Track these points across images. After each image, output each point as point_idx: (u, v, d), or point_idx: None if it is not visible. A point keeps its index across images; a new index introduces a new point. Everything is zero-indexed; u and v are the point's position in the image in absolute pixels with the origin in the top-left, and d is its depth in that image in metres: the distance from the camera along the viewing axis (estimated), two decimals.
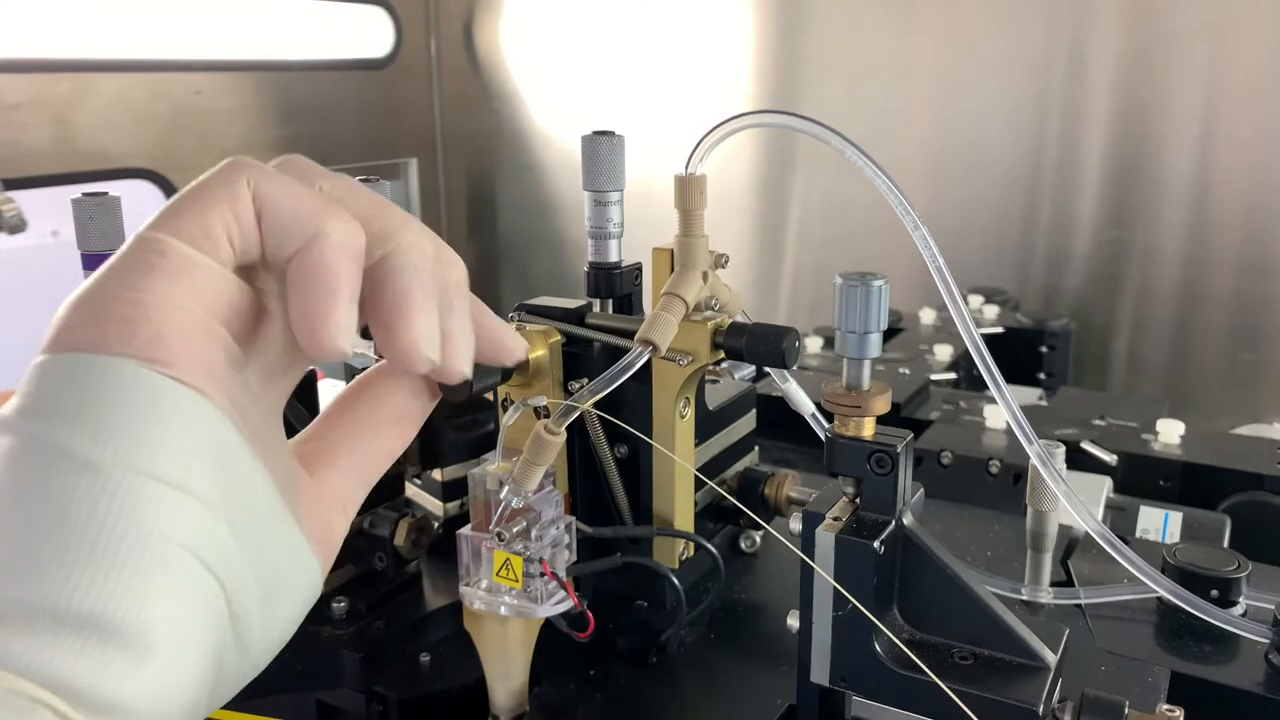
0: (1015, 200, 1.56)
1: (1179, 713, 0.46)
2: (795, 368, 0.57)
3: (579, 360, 0.59)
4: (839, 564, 0.44)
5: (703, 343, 0.55)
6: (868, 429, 0.45)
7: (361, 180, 0.60)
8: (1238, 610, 0.60)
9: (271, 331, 0.33)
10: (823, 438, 0.48)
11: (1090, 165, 1.49)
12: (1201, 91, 1.41)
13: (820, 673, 0.46)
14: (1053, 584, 0.63)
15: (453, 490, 0.68)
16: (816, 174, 1.72)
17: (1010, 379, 0.52)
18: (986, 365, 0.51)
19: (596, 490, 0.62)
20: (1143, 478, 0.83)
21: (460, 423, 0.69)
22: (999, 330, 1.22)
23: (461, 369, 0.35)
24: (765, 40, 1.77)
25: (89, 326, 0.29)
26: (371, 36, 1.96)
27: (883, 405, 0.45)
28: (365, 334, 0.34)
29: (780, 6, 1.76)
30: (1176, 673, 0.55)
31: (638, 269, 0.64)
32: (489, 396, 0.63)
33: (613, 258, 0.63)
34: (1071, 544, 0.69)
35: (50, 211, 1.56)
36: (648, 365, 0.52)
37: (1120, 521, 0.76)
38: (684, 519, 0.61)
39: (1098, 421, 0.91)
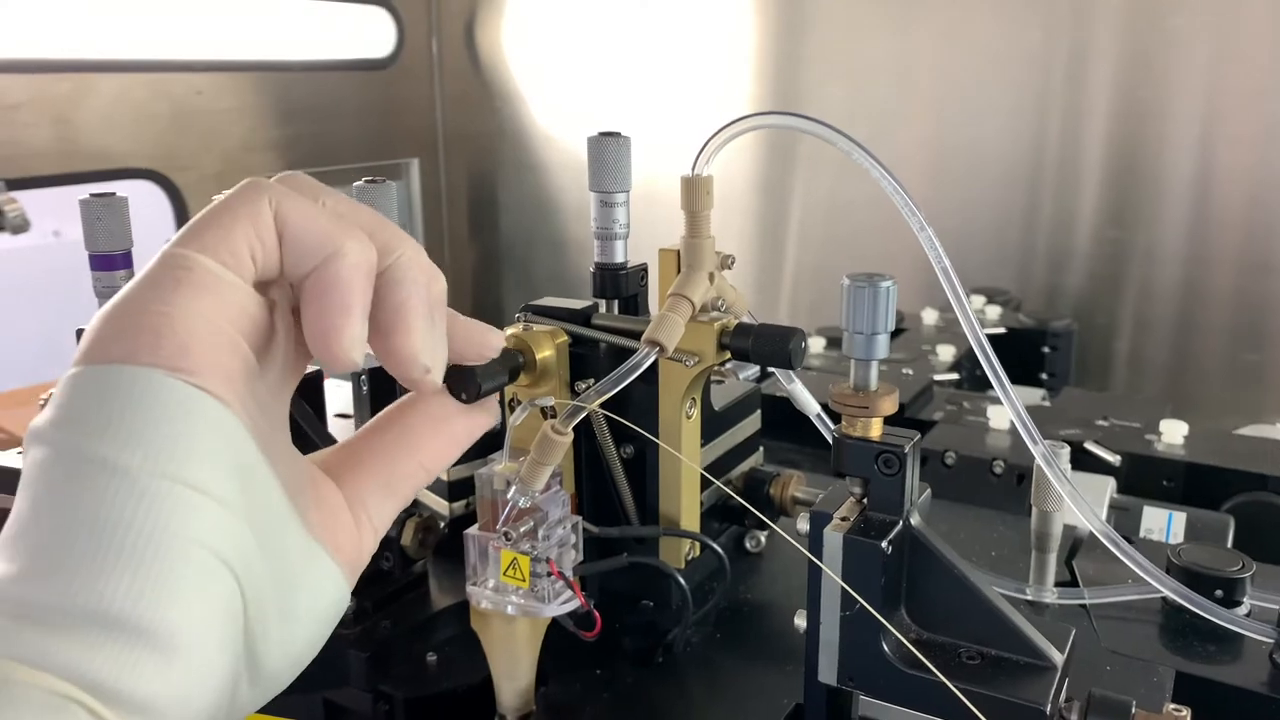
0: (1016, 200, 1.57)
1: (1186, 712, 0.46)
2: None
3: (585, 361, 0.59)
4: (847, 564, 0.44)
5: (709, 343, 0.55)
6: (875, 429, 0.45)
7: (366, 182, 0.61)
8: (1242, 610, 0.60)
9: (278, 343, 0.34)
10: (829, 438, 0.48)
11: (1091, 165, 1.50)
12: (1202, 91, 1.41)
13: (828, 672, 0.46)
14: (1057, 584, 0.64)
15: (458, 490, 0.68)
16: (817, 174, 1.72)
17: (1013, 379, 0.52)
18: (992, 366, 0.51)
19: (603, 490, 0.62)
20: (1146, 478, 0.83)
21: None
22: (1001, 331, 1.22)
23: (437, 378, 0.36)
24: (766, 41, 1.77)
25: (119, 339, 0.30)
26: (373, 36, 1.96)
27: (890, 406, 0.45)
28: None
29: (781, 7, 1.76)
30: (1181, 673, 0.56)
31: (643, 270, 0.64)
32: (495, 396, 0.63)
33: (619, 258, 0.63)
34: (1076, 544, 0.69)
35: (52, 211, 1.57)
36: (654, 366, 0.52)
37: (1124, 522, 0.76)
38: (690, 519, 0.62)
39: (1101, 422, 0.91)
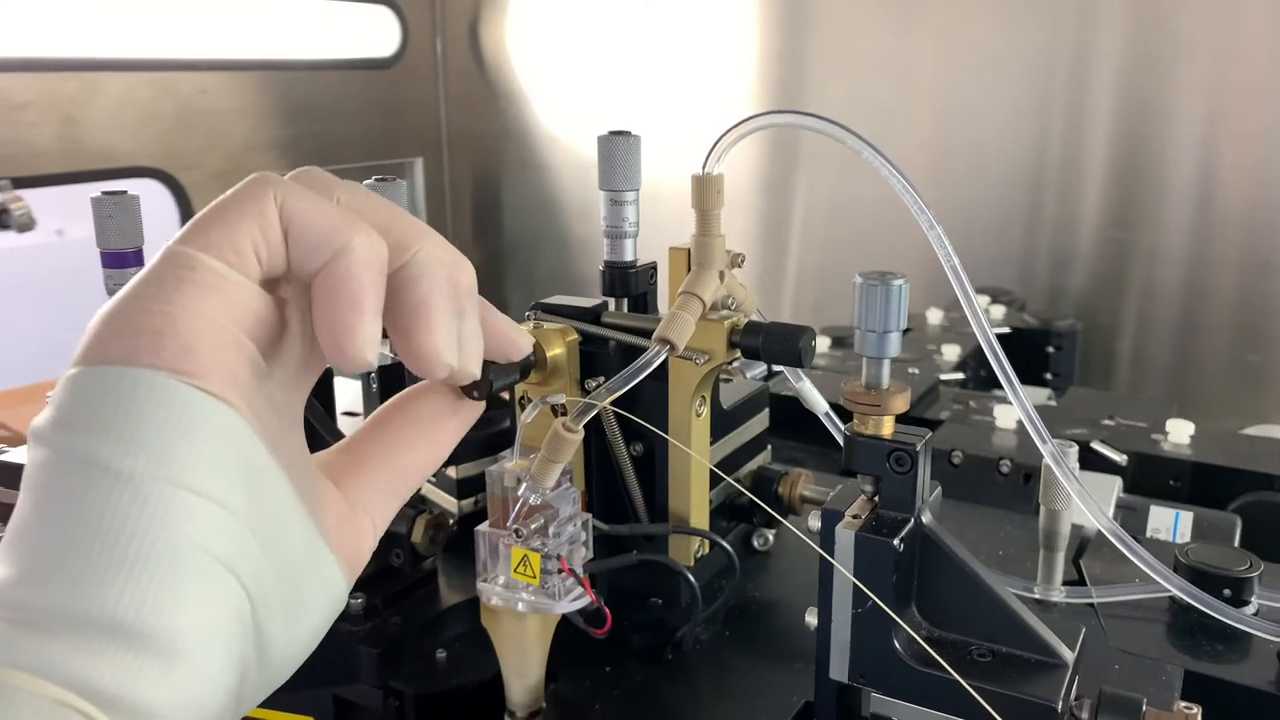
0: (1019, 200, 1.57)
1: (1196, 710, 0.46)
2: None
3: (595, 359, 0.59)
4: (859, 561, 0.44)
5: (719, 342, 0.55)
6: (887, 427, 0.45)
7: (377, 180, 0.61)
8: (1250, 609, 0.60)
9: (291, 341, 0.33)
10: (838, 437, 0.48)
11: (1094, 165, 1.50)
12: (1205, 91, 1.41)
13: (839, 669, 0.46)
14: (1065, 583, 0.64)
15: (467, 487, 0.69)
16: (821, 172, 1.72)
17: (1018, 379, 0.52)
18: (1001, 365, 0.51)
19: (613, 488, 0.62)
20: (1153, 478, 0.83)
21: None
22: (1006, 330, 1.22)
23: (472, 371, 0.35)
24: (769, 39, 1.77)
25: (120, 339, 0.29)
26: (377, 36, 1.96)
27: (902, 404, 0.45)
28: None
29: (784, 6, 1.76)
30: (1190, 671, 0.56)
31: (653, 268, 0.64)
32: (504, 395, 0.63)
33: (628, 257, 0.63)
34: (1083, 543, 0.70)
35: (56, 210, 1.57)
36: (664, 364, 0.52)
37: (1131, 521, 0.76)
38: (699, 517, 0.62)
39: (1107, 421, 0.91)
